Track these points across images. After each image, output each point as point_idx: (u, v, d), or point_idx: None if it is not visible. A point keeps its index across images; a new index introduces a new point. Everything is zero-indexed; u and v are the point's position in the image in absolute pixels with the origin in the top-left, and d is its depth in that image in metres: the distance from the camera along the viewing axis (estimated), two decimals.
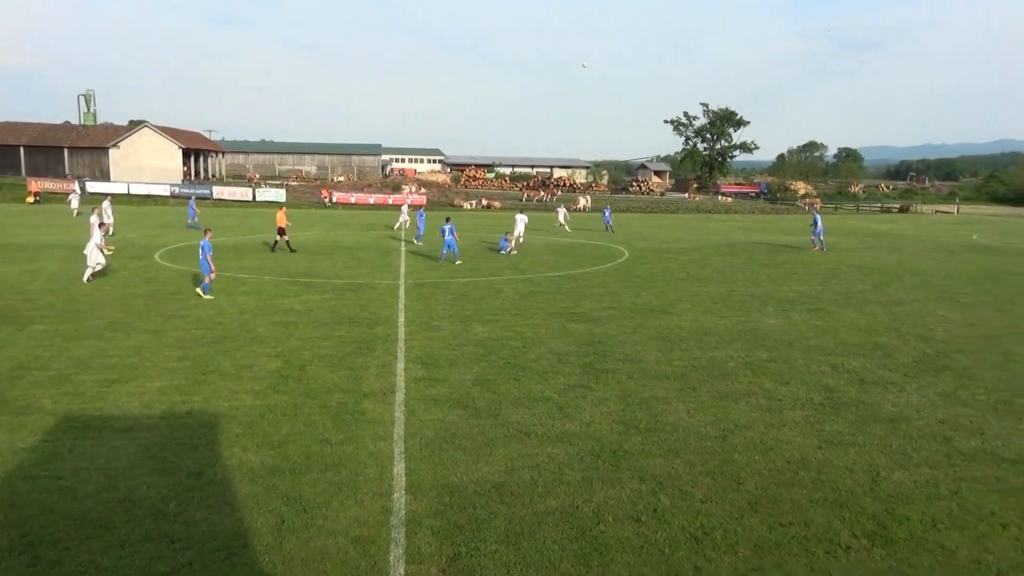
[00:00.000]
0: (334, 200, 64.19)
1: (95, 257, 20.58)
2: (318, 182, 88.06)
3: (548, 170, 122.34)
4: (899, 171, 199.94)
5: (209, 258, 18.41)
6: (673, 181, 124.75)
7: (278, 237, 28.98)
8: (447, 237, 26.21)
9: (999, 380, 12.47)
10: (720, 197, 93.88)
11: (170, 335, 14.36)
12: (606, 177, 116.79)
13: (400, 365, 12.59)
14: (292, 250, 28.51)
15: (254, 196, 64.53)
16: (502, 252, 29.91)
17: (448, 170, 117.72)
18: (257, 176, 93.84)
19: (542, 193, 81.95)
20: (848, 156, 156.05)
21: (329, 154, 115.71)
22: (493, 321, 16.43)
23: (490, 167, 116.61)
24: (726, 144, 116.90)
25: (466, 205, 68.61)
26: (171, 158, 75.60)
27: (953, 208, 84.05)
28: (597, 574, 6.32)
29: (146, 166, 72.08)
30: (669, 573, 6.36)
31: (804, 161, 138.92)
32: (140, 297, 18.36)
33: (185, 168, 78.65)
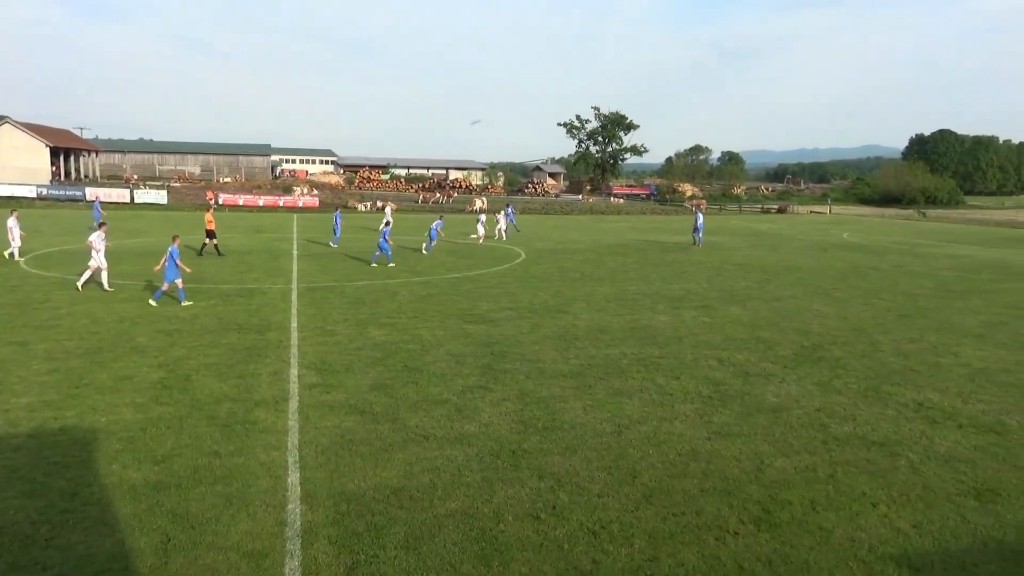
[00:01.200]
0: (220, 202, 61.58)
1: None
2: (203, 183, 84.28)
3: (444, 171, 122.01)
4: (777, 174, 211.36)
5: (178, 263, 18.05)
6: (567, 183, 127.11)
7: (207, 240, 28.18)
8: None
9: (868, 369, 13.38)
10: (612, 198, 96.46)
11: (39, 347, 13.36)
12: (502, 179, 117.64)
13: (293, 372, 12.22)
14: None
15: (132, 198, 61.07)
16: (425, 249, 31.31)
17: (341, 171, 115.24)
18: (135, 177, 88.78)
19: (438, 195, 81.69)
20: (731, 159, 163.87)
21: (215, 154, 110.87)
22: (390, 324, 16.21)
23: (385, 168, 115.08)
24: (617, 147, 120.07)
25: (360, 207, 67.44)
26: (37, 157, 70.28)
27: (826, 209, 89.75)
28: (498, 574, 6.34)
29: (9, 165, 66.78)
30: (568, 568, 6.46)
31: (690, 164, 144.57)
32: (3, 307, 17.00)
33: (54, 168, 73.40)
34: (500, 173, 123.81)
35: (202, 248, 28.36)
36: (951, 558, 6.74)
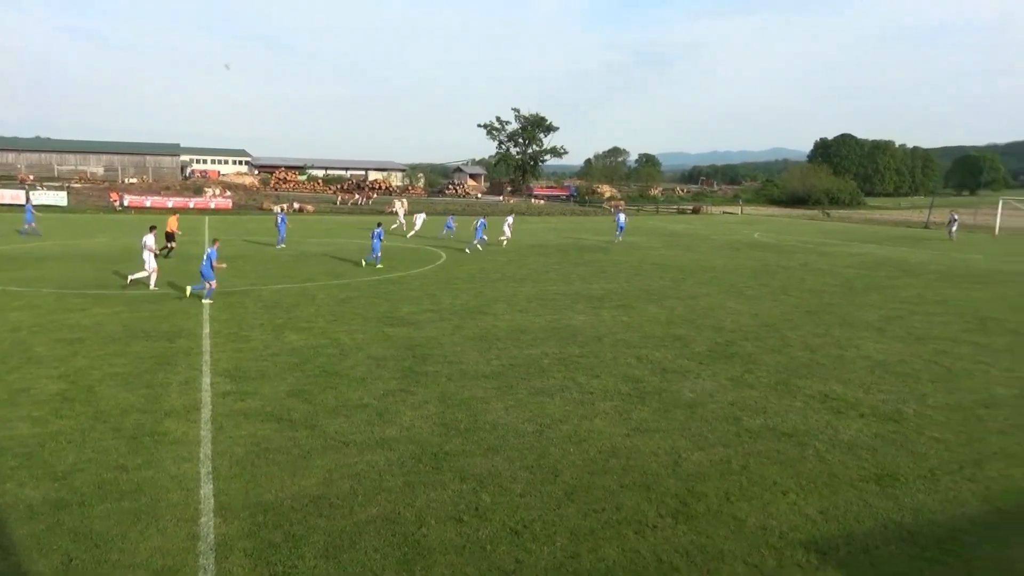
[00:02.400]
0: (125, 204, 58.85)
1: None
2: (106, 184, 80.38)
3: (363, 172, 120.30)
4: (692, 175, 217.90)
5: (215, 264, 18.88)
6: (488, 184, 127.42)
7: (171, 244, 28.25)
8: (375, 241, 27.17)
9: (777, 363, 13.93)
10: (533, 200, 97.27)
11: None
12: (422, 180, 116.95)
13: (206, 380, 11.79)
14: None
15: (28, 199, 57.68)
16: (477, 247, 33.64)
17: (256, 172, 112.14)
18: (31, 177, 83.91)
19: (356, 196, 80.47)
20: (648, 161, 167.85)
21: (119, 153, 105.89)
22: (308, 329, 15.86)
23: (302, 169, 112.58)
24: (537, 148, 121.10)
25: (276, 209, 65.70)
26: None
27: (737, 209, 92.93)
28: None
29: None
30: (491, 569, 6.46)
31: (609, 165, 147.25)
32: None
33: None
34: (421, 174, 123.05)
35: (168, 251, 28.14)
36: (854, 541, 7.08)
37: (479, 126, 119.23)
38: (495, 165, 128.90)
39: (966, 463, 9.13)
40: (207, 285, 18.84)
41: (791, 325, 17.74)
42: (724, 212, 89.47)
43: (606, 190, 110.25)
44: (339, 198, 78.86)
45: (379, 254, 26.91)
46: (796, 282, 25.82)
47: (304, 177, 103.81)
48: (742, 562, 6.67)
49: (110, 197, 60.05)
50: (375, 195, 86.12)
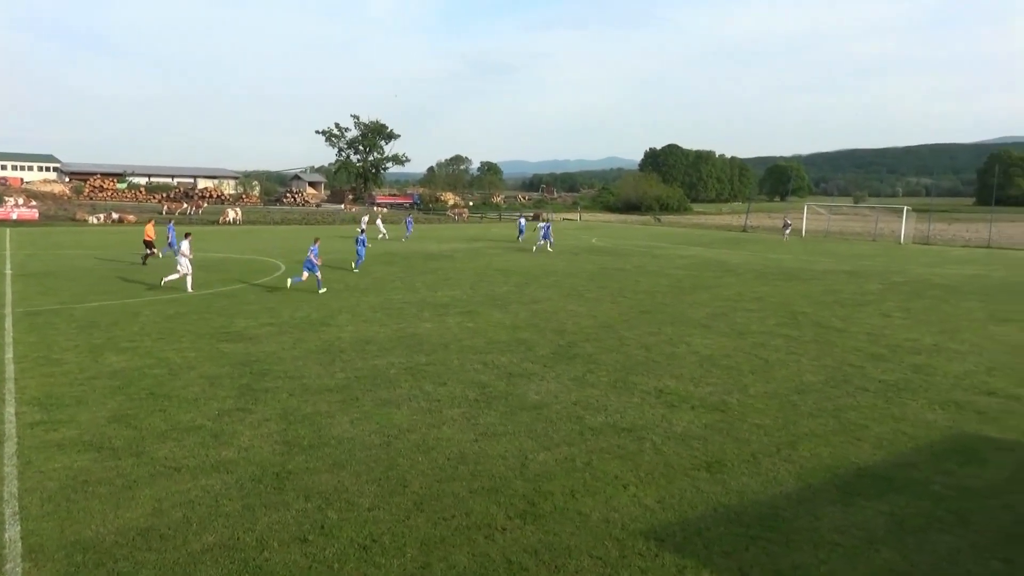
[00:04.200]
0: None
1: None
2: None
3: (192, 180, 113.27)
4: (533, 183, 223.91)
5: (315, 259, 23.05)
6: (329, 192, 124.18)
7: (149, 250, 29.79)
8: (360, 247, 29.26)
9: (616, 362, 14.57)
10: (376, 208, 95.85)
11: None
12: (257, 188, 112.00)
13: (10, 409, 10.59)
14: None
15: None
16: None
17: (67, 179, 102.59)
18: None
19: (185, 205, 75.75)
20: (490, 169, 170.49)
21: None
22: (131, 348, 14.68)
23: (121, 176, 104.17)
24: (379, 156, 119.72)
25: (92, 219, 60.38)
26: None
27: (576, 216, 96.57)
28: None
29: None
30: None
31: (452, 173, 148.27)
32: None
33: None
34: (256, 182, 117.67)
35: (145, 258, 29.81)
36: (689, 526, 7.52)
37: (317, 132, 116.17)
38: (335, 173, 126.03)
39: (783, 445, 9.97)
40: (312, 275, 22.92)
41: (628, 325, 18.62)
42: (564, 219, 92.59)
43: (450, 198, 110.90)
44: (165, 207, 73.87)
45: (362, 259, 29.29)
46: (632, 284, 27.17)
47: (123, 185, 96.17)
48: (587, 556, 6.89)
49: None
50: (205, 204, 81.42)
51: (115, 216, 61.60)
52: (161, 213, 70.80)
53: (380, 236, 49.34)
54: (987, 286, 28.70)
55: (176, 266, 22.78)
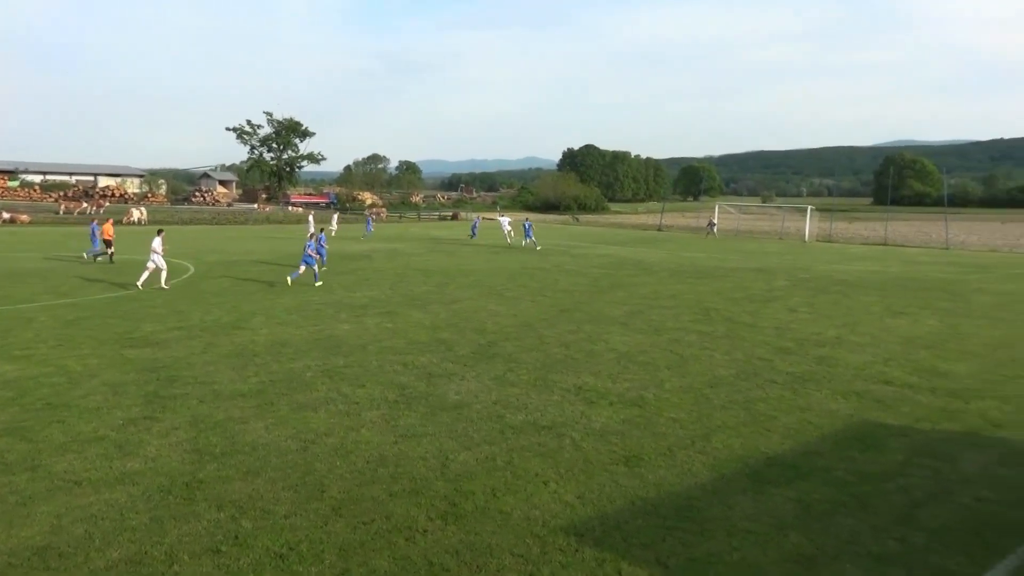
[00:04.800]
0: None
1: None
2: None
3: (92, 178, 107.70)
4: (452, 183, 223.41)
5: (314, 250, 25.23)
6: (241, 191, 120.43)
7: (107, 249, 30.65)
8: (320, 247, 28.49)
9: (536, 361, 14.68)
10: (291, 207, 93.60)
11: None
12: (164, 187, 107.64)
13: None
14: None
15: None
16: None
17: None
18: None
19: (85, 204, 72.04)
20: (408, 168, 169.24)
21: None
22: (25, 357, 13.84)
23: (12, 174, 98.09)
24: (293, 154, 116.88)
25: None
26: None
27: (496, 215, 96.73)
28: None
29: None
30: None
31: (369, 172, 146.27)
32: None
33: None
34: (162, 181, 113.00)
35: (111, 256, 30.58)
36: (608, 520, 7.65)
37: (228, 129, 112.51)
38: (248, 171, 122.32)
39: (697, 438, 10.26)
40: (312, 267, 24.62)
41: (547, 324, 18.79)
42: (484, 218, 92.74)
43: (367, 197, 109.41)
44: (63, 207, 70.02)
45: (322, 256, 28.85)
46: (551, 283, 27.44)
47: (15, 183, 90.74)
48: (509, 554, 6.91)
49: None
50: (107, 203, 77.64)
51: (6, 216, 57.92)
52: (58, 213, 67.18)
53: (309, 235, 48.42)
54: (884, 281, 30.38)
55: (146, 263, 23.48)
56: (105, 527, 7.20)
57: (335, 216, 60.28)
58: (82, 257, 31.76)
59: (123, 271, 27.76)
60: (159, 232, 24.52)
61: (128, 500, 7.82)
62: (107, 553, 6.71)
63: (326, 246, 30.38)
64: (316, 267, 25.01)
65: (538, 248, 43.02)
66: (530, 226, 44.89)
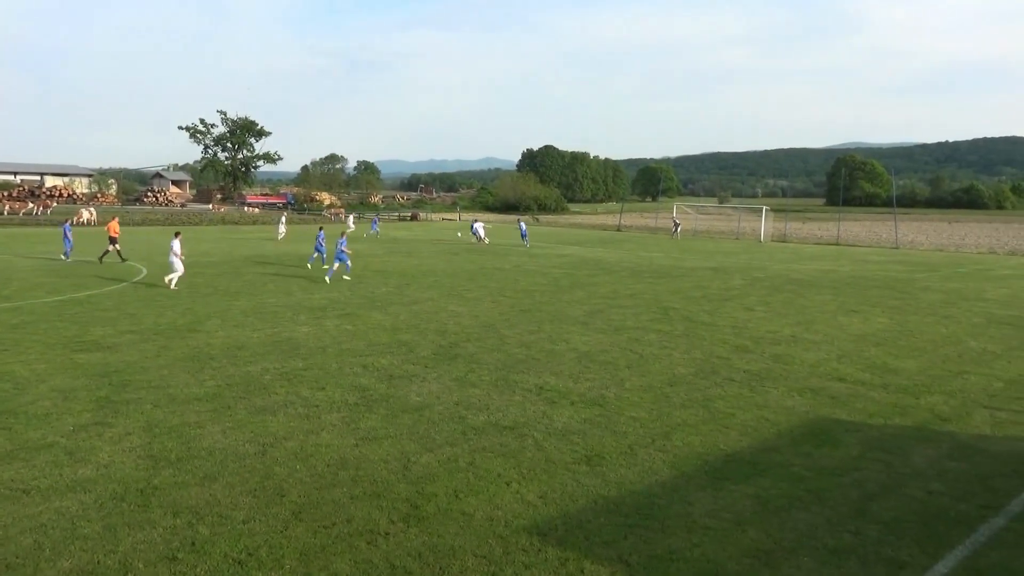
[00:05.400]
0: None
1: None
2: None
3: (38, 178, 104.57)
4: (411, 183, 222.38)
5: (345, 248, 26.45)
6: (195, 191, 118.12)
7: (110, 247, 30.53)
8: (319, 244, 30.22)
9: (497, 361, 14.67)
10: (247, 208, 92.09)
11: None
12: (114, 187, 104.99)
13: None
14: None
15: None
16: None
17: None
18: None
19: (31, 205, 69.88)
20: (367, 169, 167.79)
21: None
22: None
23: None
24: (248, 154, 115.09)
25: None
26: None
27: (456, 216, 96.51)
28: None
29: None
30: None
31: (327, 173, 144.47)
32: None
33: None
34: (112, 180, 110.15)
35: (104, 254, 30.51)
36: (570, 519, 7.68)
37: (181, 128, 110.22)
38: (202, 171, 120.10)
39: (657, 436, 10.37)
40: (337, 265, 26.19)
41: (508, 324, 18.80)
42: (443, 219, 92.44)
43: (325, 198, 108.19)
44: (7, 207, 67.83)
45: (322, 255, 30.19)
46: (511, 283, 27.47)
47: None
48: (472, 555, 6.89)
49: None
50: (54, 204, 75.43)
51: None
52: (2, 213, 65.10)
53: (280, 237, 48.73)
54: (837, 280, 31.09)
55: (172, 268, 23.82)
56: (55, 536, 6.99)
57: (350, 217, 64.14)
58: (60, 259, 31.47)
59: (73, 273, 26.99)
60: (176, 235, 24.80)
61: (80, 508, 7.60)
62: (57, 563, 6.51)
63: (324, 244, 30.69)
64: (348, 262, 26.92)
65: (527, 247, 45.17)
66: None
